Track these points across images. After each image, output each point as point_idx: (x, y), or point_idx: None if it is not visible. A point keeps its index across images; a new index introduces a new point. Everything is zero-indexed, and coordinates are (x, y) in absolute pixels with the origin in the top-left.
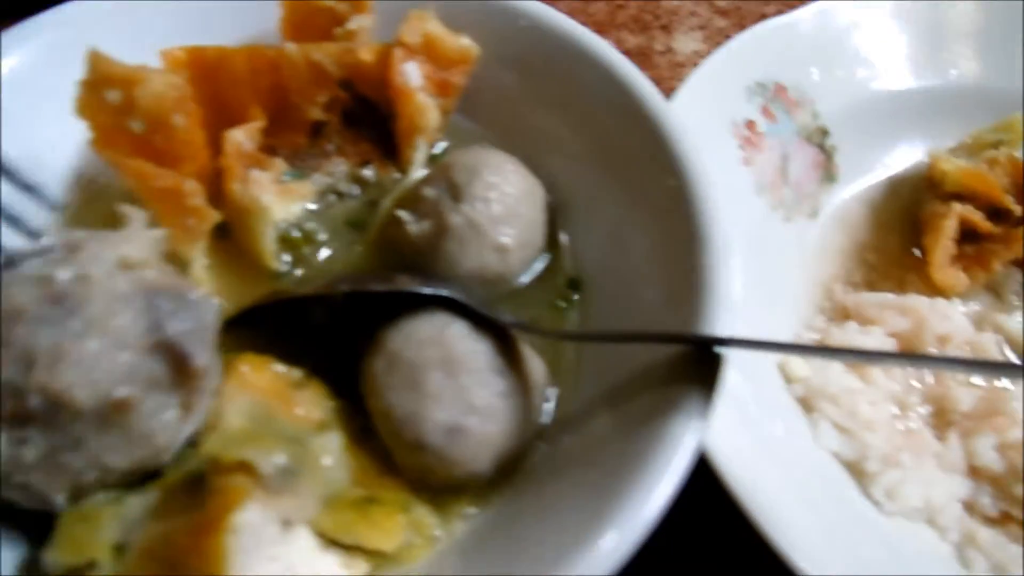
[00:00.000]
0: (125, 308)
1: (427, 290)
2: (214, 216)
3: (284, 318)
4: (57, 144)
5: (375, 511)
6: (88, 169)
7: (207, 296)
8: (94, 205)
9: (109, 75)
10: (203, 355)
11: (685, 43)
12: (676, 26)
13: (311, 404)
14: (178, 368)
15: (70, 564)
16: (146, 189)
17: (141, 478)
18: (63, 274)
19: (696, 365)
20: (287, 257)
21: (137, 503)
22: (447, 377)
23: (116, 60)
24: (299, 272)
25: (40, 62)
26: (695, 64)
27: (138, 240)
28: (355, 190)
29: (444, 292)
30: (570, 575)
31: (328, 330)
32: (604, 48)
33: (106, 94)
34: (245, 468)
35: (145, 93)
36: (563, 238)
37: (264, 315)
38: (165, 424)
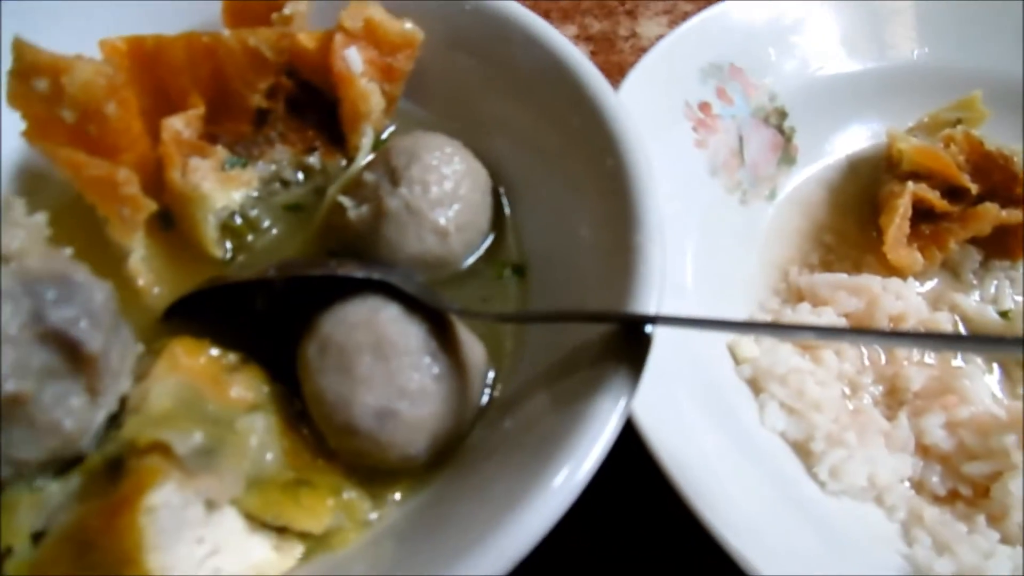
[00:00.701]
0: (6, 302)
1: (360, 274)
2: (150, 205)
3: (224, 305)
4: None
5: (305, 494)
6: (33, 161)
7: (94, 278)
8: (37, 197)
9: (35, 64)
10: (96, 339)
11: (650, 28)
12: (641, 11)
13: (245, 387)
14: (72, 355)
15: None
16: (80, 179)
17: (64, 465)
18: None
19: (624, 343)
20: (230, 245)
21: (58, 490)
22: (377, 360)
23: (42, 49)
24: (242, 259)
25: None
26: None
27: (15, 229)
28: (300, 177)
29: (377, 276)
30: (492, 551)
31: (268, 317)
32: (547, 30)
33: (34, 83)
34: (160, 448)
35: (73, 81)
36: (508, 220)
37: (204, 302)
38: (72, 411)
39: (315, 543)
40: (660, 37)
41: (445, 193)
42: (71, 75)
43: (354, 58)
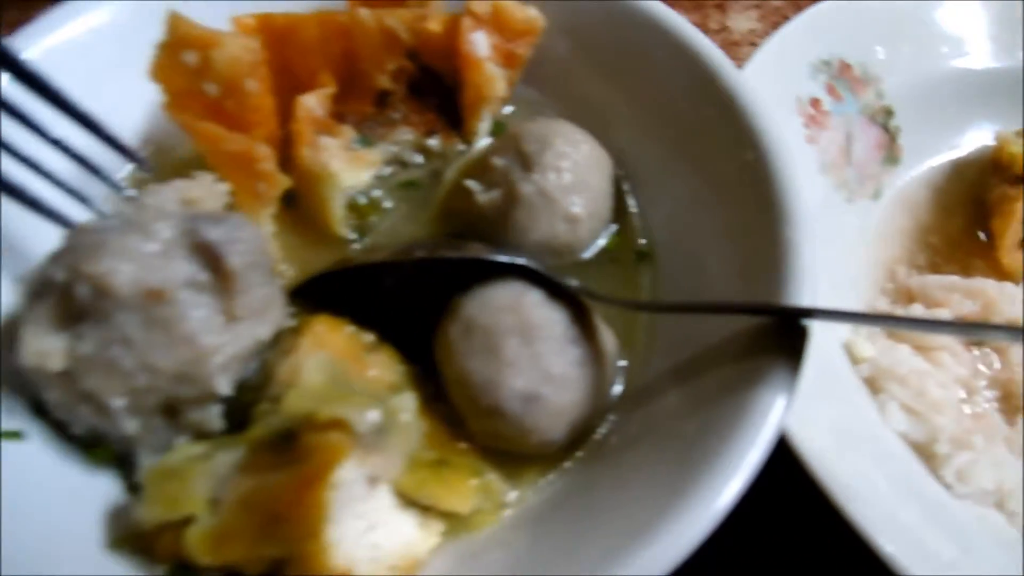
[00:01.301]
0: (168, 219)
1: (503, 258)
2: (284, 181)
3: (352, 286)
4: (131, 106)
5: (448, 473)
6: (157, 134)
7: (249, 222)
8: (163, 169)
9: (187, 37)
10: (237, 258)
11: (740, 22)
12: (731, 5)
13: (384, 366)
14: (214, 268)
15: (165, 519)
16: (217, 153)
17: (199, 433)
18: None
19: (779, 337)
20: (353, 224)
21: (224, 459)
22: (524, 344)
23: (194, 22)
24: (366, 240)
25: (119, 24)
26: (751, 43)
27: (201, 186)
28: (419, 159)
29: (519, 261)
30: (644, 554)
31: (395, 298)
32: (675, 20)
33: (183, 56)
34: (341, 425)
35: (222, 56)
36: (631, 210)
37: (331, 282)
38: (207, 326)
39: (455, 523)
40: (751, 31)
41: (577, 180)
42: (221, 49)
43: (481, 42)
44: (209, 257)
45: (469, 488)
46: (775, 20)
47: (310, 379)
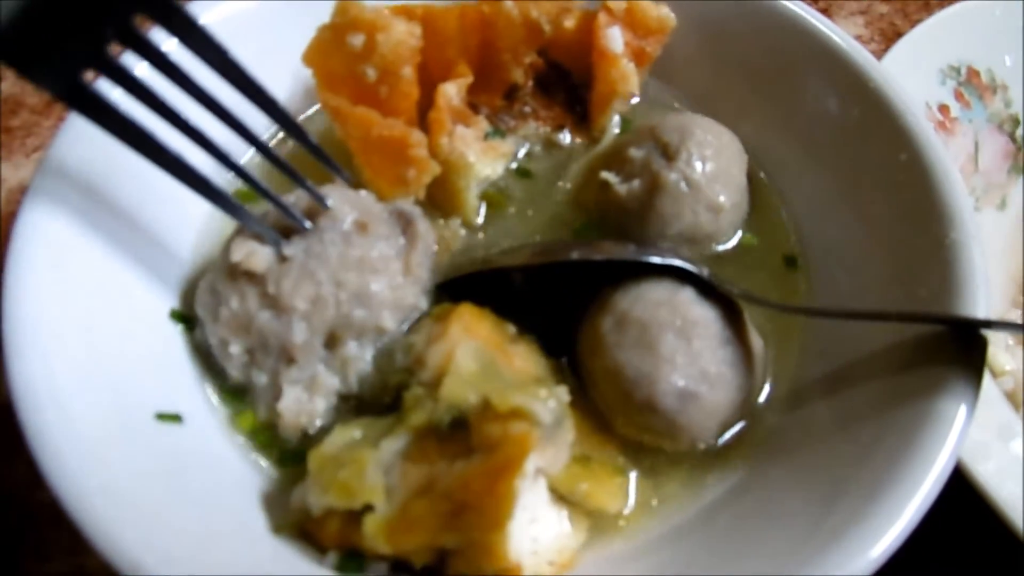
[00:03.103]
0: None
1: (657, 260)
2: (435, 168)
3: (493, 282)
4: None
5: (598, 469)
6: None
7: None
8: None
9: (356, 19)
10: (422, 225)
11: (846, 27)
12: (836, 10)
13: (527, 358)
14: (405, 229)
15: (340, 506)
16: (367, 139)
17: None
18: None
19: (956, 346)
20: (485, 213)
21: (389, 446)
22: (681, 340)
23: (364, 5)
24: (491, 231)
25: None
26: None
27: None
28: (547, 152)
29: (676, 262)
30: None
31: (534, 293)
32: (813, 18)
33: (349, 38)
34: (522, 415)
35: (388, 40)
36: (774, 206)
37: (474, 279)
38: (389, 263)
39: (600, 523)
40: (857, 37)
41: (720, 170)
42: (388, 33)
43: (616, 37)
44: (404, 221)
45: (616, 486)
46: (881, 26)
47: (465, 366)
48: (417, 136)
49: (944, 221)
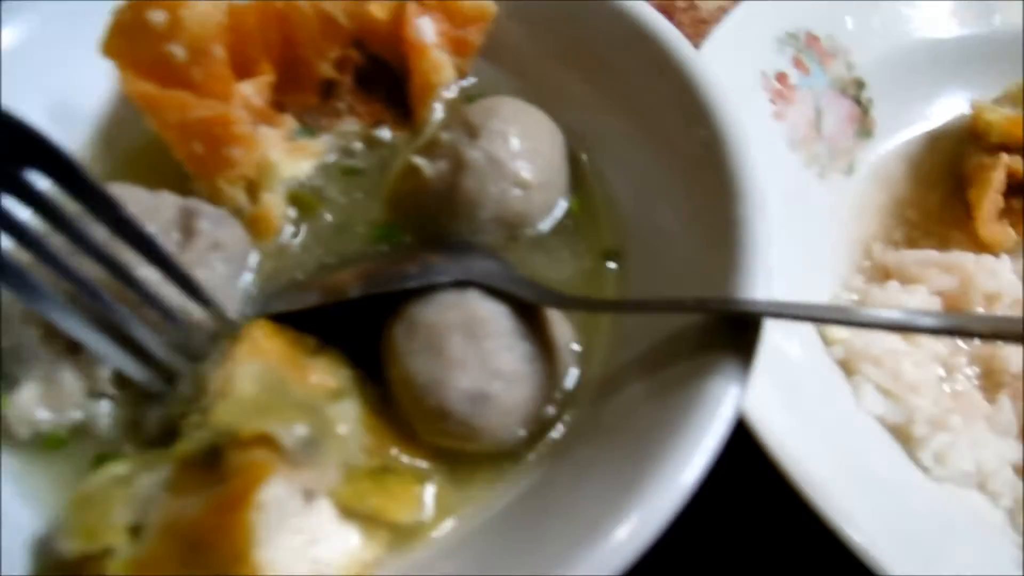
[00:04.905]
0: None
1: (445, 278)
2: (263, 139)
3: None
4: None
5: (391, 481)
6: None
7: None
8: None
9: None
10: (206, 223)
11: None
12: None
13: (326, 372)
14: (184, 227)
15: (85, 551)
16: (184, 124)
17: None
18: None
19: (733, 329)
20: (294, 216)
21: (148, 480)
22: (469, 341)
23: None
24: (305, 231)
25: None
26: (720, 20)
27: None
28: (367, 150)
29: (464, 278)
30: (600, 551)
31: (343, 306)
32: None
33: (150, 15)
34: (266, 441)
35: (192, 14)
36: (592, 192)
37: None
38: None
39: (401, 533)
40: (720, 8)
41: (526, 147)
42: (191, 7)
43: (427, 28)
44: (186, 220)
45: (413, 496)
46: None
47: (242, 389)
48: (239, 112)
49: (734, 198)
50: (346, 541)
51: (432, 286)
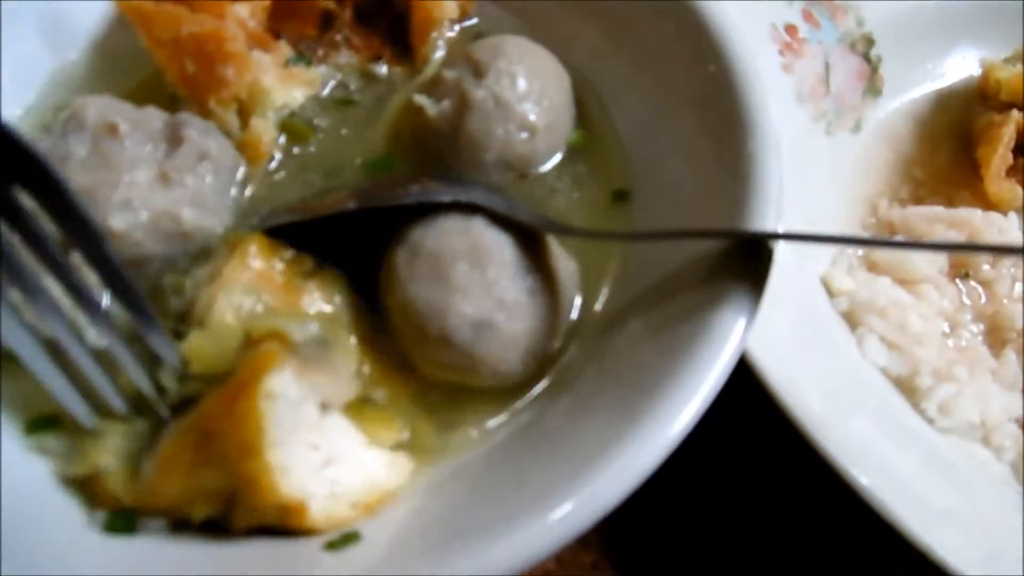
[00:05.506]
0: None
1: (447, 197)
2: (256, 64)
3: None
4: None
5: (370, 413)
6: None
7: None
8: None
9: None
10: (192, 131)
11: None
12: None
13: (320, 295)
14: (171, 136)
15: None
16: (177, 40)
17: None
18: None
19: (742, 259)
20: (286, 143)
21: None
22: (474, 269)
23: None
24: (296, 157)
25: None
26: None
27: None
28: (363, 84)
29: (465, 198)
30: (597, 482)
31: (345, 227)
32: None
33: None
34: (276, 336)
35: None
36: (599, 128)
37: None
38: (133, 164)
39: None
40: None
41: (533, 88)
42: None
43: None
44: (173, 130)
45: (389, 435)
46: None
47: (220, 319)
48: (232, 29)
49: (745, 132)
50: (368, 467)
51: (434, 208)
